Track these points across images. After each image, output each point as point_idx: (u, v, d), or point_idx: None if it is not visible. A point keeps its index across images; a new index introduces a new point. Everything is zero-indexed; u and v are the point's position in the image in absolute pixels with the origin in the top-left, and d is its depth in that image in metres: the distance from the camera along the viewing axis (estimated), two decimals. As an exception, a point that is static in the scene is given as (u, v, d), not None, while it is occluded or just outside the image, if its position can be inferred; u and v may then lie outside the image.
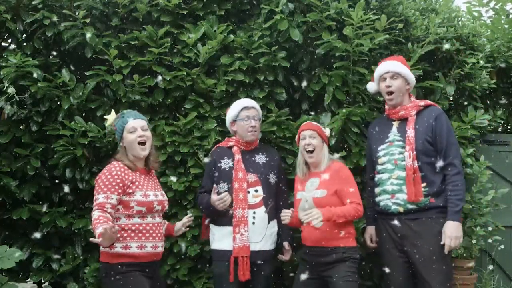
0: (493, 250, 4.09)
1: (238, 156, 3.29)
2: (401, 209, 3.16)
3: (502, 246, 4.09)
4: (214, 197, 3.13)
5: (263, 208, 3.26)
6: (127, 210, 2.82)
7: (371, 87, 3.49)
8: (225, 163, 3.31)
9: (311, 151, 3.21)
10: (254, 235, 3.21)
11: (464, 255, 3.81)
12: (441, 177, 3.17)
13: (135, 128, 2.91)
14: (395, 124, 3.30)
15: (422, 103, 3.30)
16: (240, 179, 3.23)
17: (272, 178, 3.35)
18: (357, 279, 3.11)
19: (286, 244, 3.37)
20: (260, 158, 3.37)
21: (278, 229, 3.36)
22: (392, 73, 3.28)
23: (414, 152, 3.14)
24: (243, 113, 3.34)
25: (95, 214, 2.69)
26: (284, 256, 3.39)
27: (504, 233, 4.18)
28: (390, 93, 3.29)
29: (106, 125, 3.14)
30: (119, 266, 2.76)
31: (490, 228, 3.99)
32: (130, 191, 2.82)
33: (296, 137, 3.36)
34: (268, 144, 3.67)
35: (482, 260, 4.21)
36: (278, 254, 3.40)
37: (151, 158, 3.00)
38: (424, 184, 3.14)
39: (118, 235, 2.72)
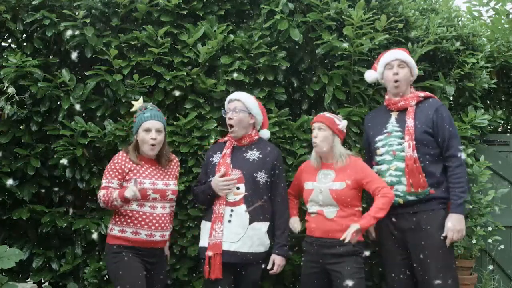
0: (493, 250, 4.09)
1: (225, 151, 3.21)
2: (401, 201, 3.14)
3: (502, 246, 4.09)
4: (217, 178, 3.08)
5: (243, 207, 3.08)
6: None
7: (370, 75, 3.47)
8: (216, 158, 3.24)
9: (316, 144, 3.17)
10: (230, 234, 3.05)
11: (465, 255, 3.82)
12: (440, 168, 3.16)
13: (150, 129, 3.06)
14: (394, 115, 3.28)
15: (422, 94, 3.29)
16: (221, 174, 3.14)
17: (262, 177, 3.14)
18: (364, 275, 3.07)
19: (277, 259, 3.14)
20: (252, 155, 3.20)
21: (275, 234, 3.18)
22: (399, 61, 3.28)
23: (414, 142, 3.12)
24: (228, 106, 3.27)
25: (101, 193, 3.02)
26: (273, 270, 3.16)
27: (504, 233, 4.18)
28: (396, 81, 3.27)
29: (131, 110, 3.26)
30: (115, 247, 3.02)
31: (490, 228, 3.99)
32: (128, 178, 3.03)
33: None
34: (270, 142, 3.47)
35: (482, 260, 4.21)
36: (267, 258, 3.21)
37: (162, 156, 3.15)
38: (423, 175, 3.11)
39: (117, 220, 3.03)
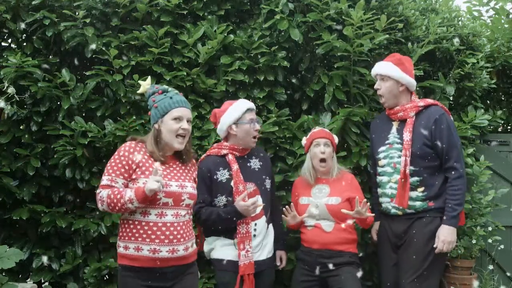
0: (493, 250, 4.09)
1: (236, 167, 3.02)
2: (400, 213, 3.15)
3: (502, 246, 4.09)
4: (242, 203, 2.88)
5: (263, 218, 3.08)
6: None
7: None
8: (222, 175, 3.03)
9: (324, 160, 3.19)
10: (254, 247, 3.03)
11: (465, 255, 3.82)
12: (441, 179, 3.12)
13: (181, 118, 2.57)
14: (395, 125, 3.25)
15: (422, 103, 3.20)
16: (241, 192, 2.97)
17: (268, 183, 3.16)
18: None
19: (283, 254, 3.30)
20: (255, 164, 3.14)
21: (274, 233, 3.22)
22: (381, 76, 3.22)
23: (408, 158, 3.08)
24: (248, 115, 3.05)
25: (103, 193, 2.47)
26: (282, 264, 3.31)
27: (504, 233, 4.19)
28: (380, 95, 3.24)
29: (138, 91, 2.74)
30: (120, 268, 2.52)
31: (490, 228, 3.99)
32: (135, 176, 2.47)
33: (306, 142, 3.29)
34: (259, 147, 3.47)
35: (482, 260, 4.21)
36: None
37: (186, 151, 2.66)
38: (422, 189, 3.10)
39: (121, 233, 2.53)
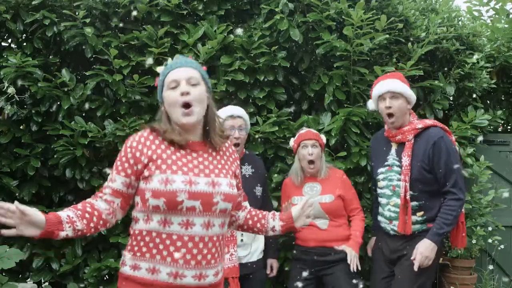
0: (493, 250, 4.09)
1: None
2: (397, 234, 3.10)
3: (502, 246, 4.09)
4: None
5: None
6: (144, 206, 1.84)
7: (370, 105, 3.24)
8: None
9: (313, 162, 3.19)
10: (242, 250, 3.04)
11: (465, 256, 3.82)
12: (440, 203, 3.01)
13: (177, 82, 1.89)
14: (394, 146, 3.13)
15: (420, 125, 3.04)
16: None
17: (259, 190, 3.13)
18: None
19: (274, 262, 3.26)
20: (246, 170, 3.12)
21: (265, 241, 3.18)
22: (392, 93, 3.05)
23: (408, 184, 2.99)
24: (229, 122, 3.04)
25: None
26: (272, 273, 3.27)
27: (504, 233, 4.19)
28: (391, 115, 3.06)
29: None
30: None
31: (490, 228, 3.99)
32: (147, 173, 1.84)
33: (294, 144, 3.28)
34: (253, 153, 3.45)
35: (482, 260, 4.21)
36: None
37: (210, 128, 1.94)
38: (421, 213, 3.02)
39: (129, 247, 1.88)
